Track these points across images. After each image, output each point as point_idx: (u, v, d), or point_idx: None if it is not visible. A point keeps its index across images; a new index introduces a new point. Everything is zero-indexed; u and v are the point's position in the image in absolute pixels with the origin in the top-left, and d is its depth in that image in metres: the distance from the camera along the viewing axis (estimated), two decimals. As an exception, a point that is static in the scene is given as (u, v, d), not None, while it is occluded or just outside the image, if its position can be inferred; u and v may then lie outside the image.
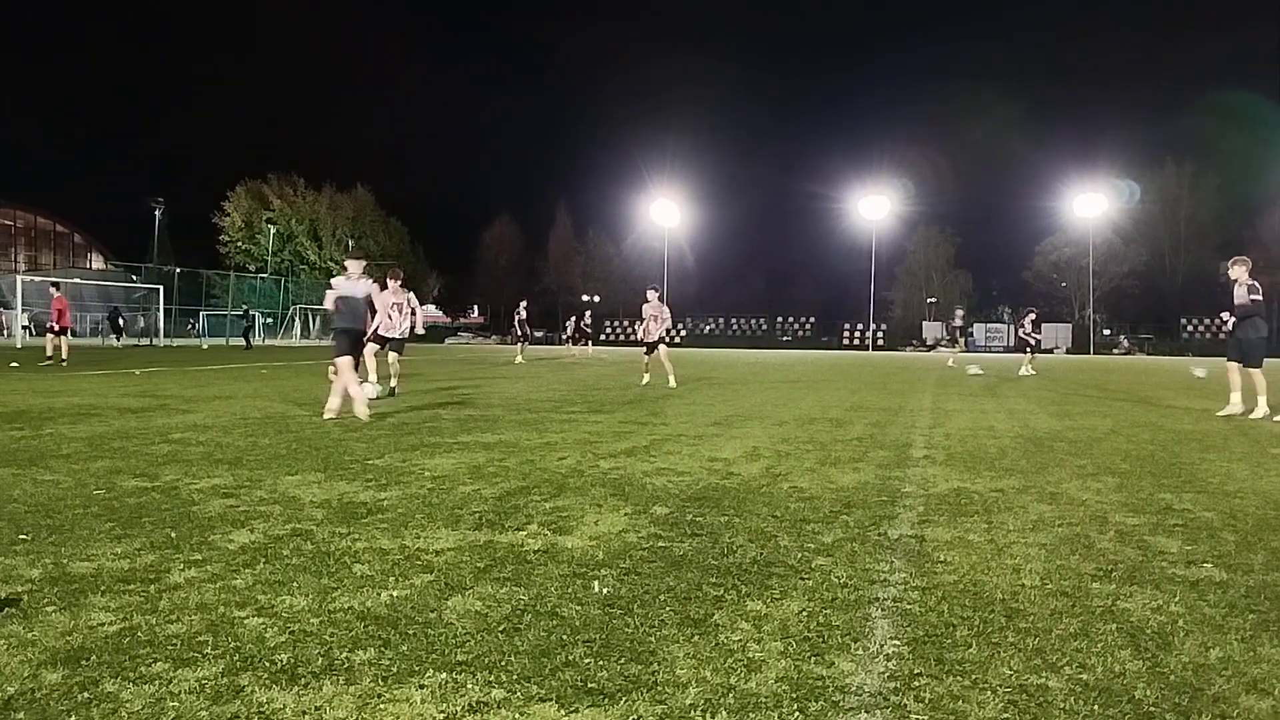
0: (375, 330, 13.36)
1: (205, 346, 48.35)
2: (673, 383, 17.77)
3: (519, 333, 32.20)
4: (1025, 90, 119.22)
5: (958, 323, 37.88)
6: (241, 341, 45.25)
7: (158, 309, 54.84)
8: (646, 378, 18.59)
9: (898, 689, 2.92)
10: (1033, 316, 28.77)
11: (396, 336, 14.74)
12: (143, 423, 10.06)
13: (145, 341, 50.36)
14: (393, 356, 14.88)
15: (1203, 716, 2.75)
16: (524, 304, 32.71)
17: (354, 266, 11.11)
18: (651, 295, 18.75)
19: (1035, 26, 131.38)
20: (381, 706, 2.75)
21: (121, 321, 46.42)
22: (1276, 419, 11.88)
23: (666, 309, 18.71)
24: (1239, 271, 12.23)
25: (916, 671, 3.06)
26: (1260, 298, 12.23)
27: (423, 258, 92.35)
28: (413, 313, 14.92)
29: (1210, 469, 7.65)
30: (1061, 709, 2.79)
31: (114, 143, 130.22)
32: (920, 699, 2.85)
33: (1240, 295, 12.20)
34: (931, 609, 3.73)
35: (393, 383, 14.70)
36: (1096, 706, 2.81)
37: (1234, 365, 12.61)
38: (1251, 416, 12.01)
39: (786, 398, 15.48)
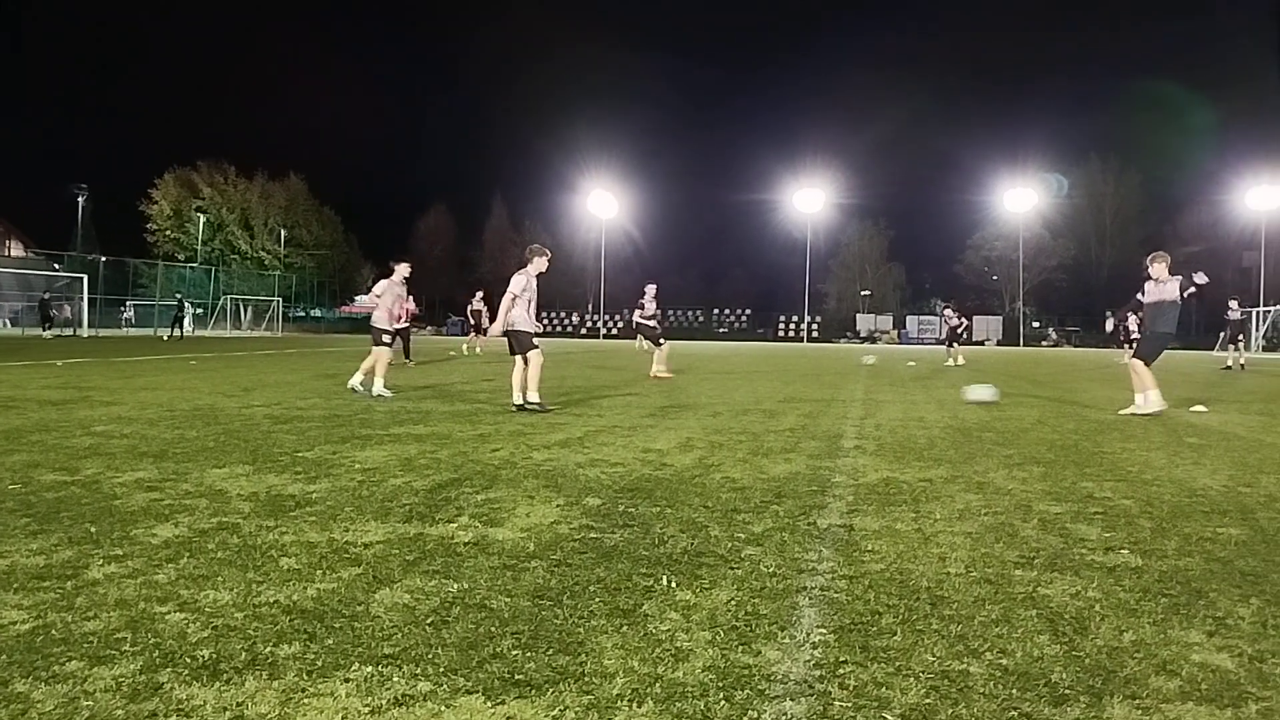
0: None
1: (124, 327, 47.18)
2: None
3: (471, 323, 31.98)
4: (955, 84, 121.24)
5: (1235, 316, 27.39)
6: (173, 331, 44.62)
7: (82, 298, 53.35)
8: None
9: (823, 676, 2.96)
10: (952, 308, 30.80)
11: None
12: (63, 415, 9.78)
13: (69, 332, 48.95)
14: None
15: (1115, 698, 2.83)
16: (480, 294, 32.40)
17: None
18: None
19: (963, 19, 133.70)
20: (305, 701, 2.71)
21: (53, 312, 45.20)
22: (1194, 409, 12.25)
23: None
24: (1159, 269, 12.09)
25: (842, 659, 3.11)
26: (1165, 297, 11.78)
27: (356, 248, 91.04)
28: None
29: (1130, 458, 7.87)
30: (982, 693, 2.85)
31: (36, 127, 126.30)
32: (845, 686, 2.89)
33: (1167, 292, 11.75)
34: (858, 597, 3.79)
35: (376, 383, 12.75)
36: (1015, 690, 2.88)
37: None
38: (1126, 410, 11.89)
39: (721, 389, 15.58)
